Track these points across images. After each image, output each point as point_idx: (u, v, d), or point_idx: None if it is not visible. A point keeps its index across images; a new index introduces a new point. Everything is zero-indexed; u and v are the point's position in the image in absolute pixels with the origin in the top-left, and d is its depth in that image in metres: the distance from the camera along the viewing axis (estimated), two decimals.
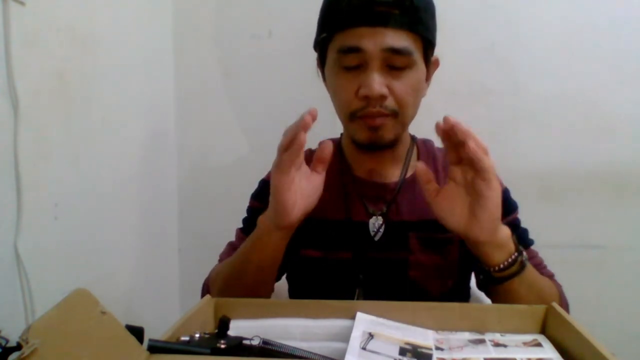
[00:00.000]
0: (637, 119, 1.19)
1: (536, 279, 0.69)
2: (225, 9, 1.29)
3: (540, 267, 0.82)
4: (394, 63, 0.71)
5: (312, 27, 0.78)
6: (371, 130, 0.74)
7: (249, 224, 0.88)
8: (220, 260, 0.89)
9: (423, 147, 0.87)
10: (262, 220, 0.70)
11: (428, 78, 0.78)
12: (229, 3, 1.29)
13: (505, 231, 0.65)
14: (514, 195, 0.84)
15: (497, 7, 1.21)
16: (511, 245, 0.65)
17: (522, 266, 0.65)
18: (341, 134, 0.90)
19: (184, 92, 1.32)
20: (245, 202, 0.89)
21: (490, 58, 1.22)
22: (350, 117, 0.75)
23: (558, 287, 0.79)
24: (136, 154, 1.15)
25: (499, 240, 0.63)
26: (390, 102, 0.72)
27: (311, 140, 0.92)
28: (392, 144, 0.78)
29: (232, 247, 0.88)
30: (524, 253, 0.66)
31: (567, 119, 1.21)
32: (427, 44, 0.75)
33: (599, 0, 1.18)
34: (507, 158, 1.18)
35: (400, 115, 0.74)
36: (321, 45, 0.78)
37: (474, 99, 1.23)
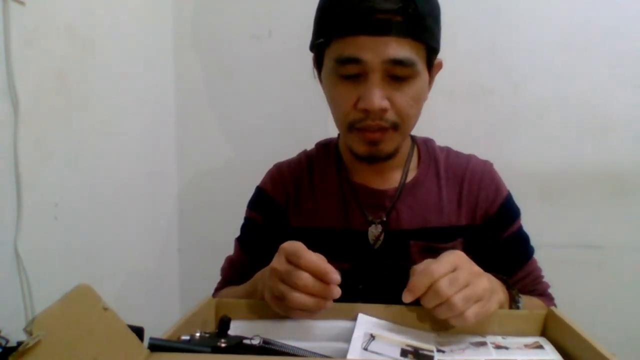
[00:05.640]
0: (636, 119, 1.19)
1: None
2: (225, 9, 1.29)
3: (536, 281, 0.82)
4: (396, 74, 0.67)
5: (312, 28, 0.77)
6: (370, 144, 0.71)
7: (246, 237, 0.88)
8: (221, 274, 0.89)
9: (424, 148, 0.85)
10: (260, 282, 0.67)
11: (430, 82, 0.75)
12: (229, 3, 1.29)
13: (500, 298, 0.64)
14: (514, 196, 0.83)
15: (497, 7, 1.21)
16: (506, 305, 0.66)
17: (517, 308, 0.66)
18: (338, 134, 0.88)
19: (184, 92, 1.32)
20: (245, 202, 0.89)
21: (490, 58, 1.22)
22: (348, 128, 0.72)
23: (549, 301, 0.79)
24: (136, 154, 1.15)
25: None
26: (390, 115, 0.69)
27: (308, 141, 0.93)
28: (392, 156, 0.76)
29: (231, 264, 0.88)
30: (520, 304, 0.66)
31: (567, 119, 1.21)
32: (431, 51, 0.70)
33: (599, 1, 1.18)
34: (507, 158, 1.17)
35: (401, 128, 0.71)
36: (317, 49, 0.74)
37: (474, 99, 1.23)
